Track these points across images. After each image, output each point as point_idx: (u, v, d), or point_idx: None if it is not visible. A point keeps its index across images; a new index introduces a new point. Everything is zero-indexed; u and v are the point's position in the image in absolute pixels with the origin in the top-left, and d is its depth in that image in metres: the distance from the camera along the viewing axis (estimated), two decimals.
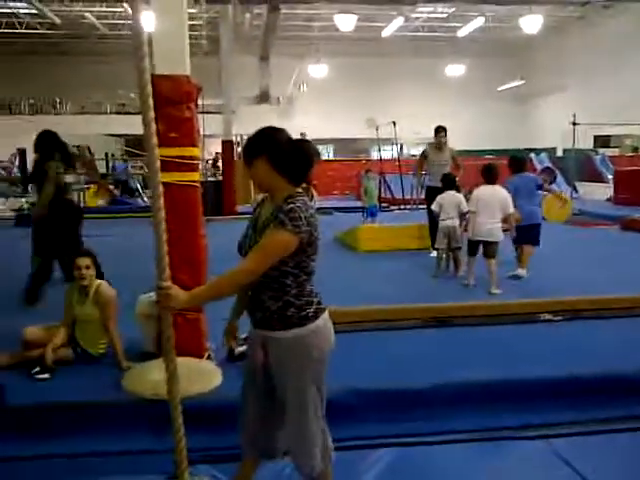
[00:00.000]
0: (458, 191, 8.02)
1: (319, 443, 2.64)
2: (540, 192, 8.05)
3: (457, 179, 8.24)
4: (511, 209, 6.93)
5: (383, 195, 17.47)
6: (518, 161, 7.84)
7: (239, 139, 18.83)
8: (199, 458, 3.28)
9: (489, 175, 7.06)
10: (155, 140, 2.41)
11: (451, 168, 8.96)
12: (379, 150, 18.70)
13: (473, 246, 7.12)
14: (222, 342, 2.93)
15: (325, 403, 2.67)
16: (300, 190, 2.56)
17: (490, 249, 6.93)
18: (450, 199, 7.77)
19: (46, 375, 4.23)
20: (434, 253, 8.30)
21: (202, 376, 4.06)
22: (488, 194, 6.94)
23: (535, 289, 6.84)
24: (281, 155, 2.52)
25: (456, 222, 7.69)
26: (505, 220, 6.98)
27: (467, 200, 7.51)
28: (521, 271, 7.45)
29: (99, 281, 4.54)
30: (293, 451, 2.67)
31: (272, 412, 2.70)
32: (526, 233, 7.40)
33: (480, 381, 4.14)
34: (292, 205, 2.44)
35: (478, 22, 23.09)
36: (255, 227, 2.61)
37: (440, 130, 9.32)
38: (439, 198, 7.92)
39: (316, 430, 2.62)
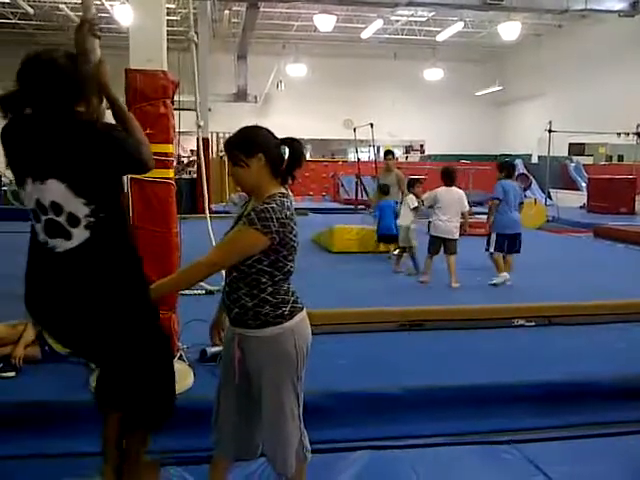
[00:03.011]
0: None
1: (295, 443, 2.61)
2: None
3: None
4: (467, 207, 7.54)
5: (359, 197, 17.51)
6: (510, 167, 7.94)
7: (215, 137, 18.75)
8: (171, 460, 3.22)
9: (448, 178, 7.57)
10: None
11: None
12: (356, 152, 18.72)
13: (434, 243, 7.52)
14: (209, 338, 2.87)
15: (302, 403, 2.64)
16: (283, 191, 2.54)
17: (450, 246, 7.43)
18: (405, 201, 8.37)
19: (12, 373, 4.12)
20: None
21: None
22: (446, 195, 7.46)
23: (509, 294, 6.90)
24: (276, 154, 2.52)
25: (407, 222, 8.16)
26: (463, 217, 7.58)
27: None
28: (507, 275, 7.47)
29: None
30: (269, 450, 2.64)
31: (248, 412, 2.67)
32: (512, 241, 7.51)
33: (453, 385, 4.15)
34: (266, 205, 2.43)
35: (457, 27, 23.20)
36: (235, 224, 2.59)
37: (387, 154, 10.15)
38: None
39: (292, 430, 2.59)
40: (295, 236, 2.51)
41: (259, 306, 2.49)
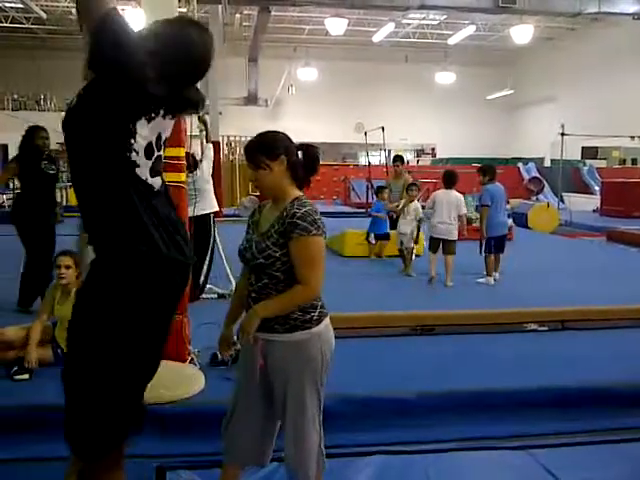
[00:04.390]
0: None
1: (316, 449, 2.59)
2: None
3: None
4: (464, 210, 7.69)
5: (370, 201, 17.49)
6: (493, 170, 8.03)
7: (226, 140, 18.76)
8: (181, 464, 3.21)
9: (449, 180, 7.76)
10: None
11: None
12: (367, 155, 18.73)
13: (433, 243, 7.78)
14: (217, 350, 2.86)
15: (322, 409, 2.62)
16: (302, 194, 2.54)
17: (449, 246, 7.63)
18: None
19: (25, 376, 4.13)
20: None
21: (185, 380, 3.99)
22: (444, 197, 7.67)
23: (522, 299, 6.85)
24: (296, 158, 2.52)
25: (404, 229, 8.41)
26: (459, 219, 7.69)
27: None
28: (492, 280, 7.73)
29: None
30: (289, 456, 2.60)
31: (266, 418, 2.65)
32: (500, 242, 7.81)
33: (466, 390, 4.13)
34: (304, 209, 2.43)
35: (469, 30, 23.17)
36: (258, 232, 2.56)
37: (395, 159, 10.27)
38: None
39: (314, 436, 2.58)
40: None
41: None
